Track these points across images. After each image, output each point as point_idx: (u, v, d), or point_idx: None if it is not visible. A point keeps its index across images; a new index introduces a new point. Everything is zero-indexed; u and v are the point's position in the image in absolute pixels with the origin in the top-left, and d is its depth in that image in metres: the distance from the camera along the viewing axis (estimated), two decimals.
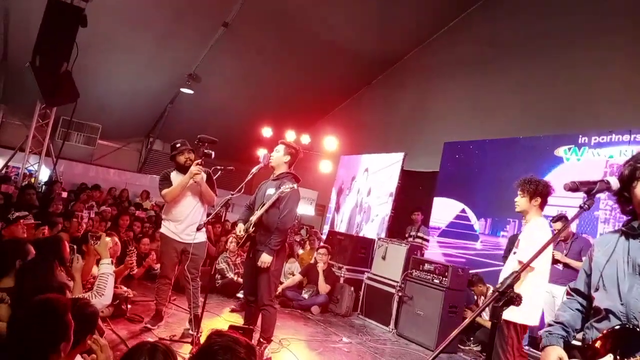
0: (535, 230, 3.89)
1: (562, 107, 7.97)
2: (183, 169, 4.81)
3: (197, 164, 4.68)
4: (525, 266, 1.80)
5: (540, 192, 3.95)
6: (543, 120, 8.15)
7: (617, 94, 7.26)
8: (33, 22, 8.17)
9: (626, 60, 7.35)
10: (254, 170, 4.69)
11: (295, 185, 4.44)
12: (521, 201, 4.00)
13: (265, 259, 4.39)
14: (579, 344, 2.14)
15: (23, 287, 2.63)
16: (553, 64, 8.39)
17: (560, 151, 7.16)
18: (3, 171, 10.82)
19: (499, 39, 9.64)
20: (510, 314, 3.56)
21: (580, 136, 6.96)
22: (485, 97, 9.57)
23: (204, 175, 4.83)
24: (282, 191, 4.36)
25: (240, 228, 4.61)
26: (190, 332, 4.73)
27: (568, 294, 2.34)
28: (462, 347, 6.46)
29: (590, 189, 1.90)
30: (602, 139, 6.70)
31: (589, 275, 2.19)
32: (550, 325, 2.21)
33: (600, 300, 2.08)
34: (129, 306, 5.38)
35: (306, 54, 11.59)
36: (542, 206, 4.00)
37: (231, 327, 3.94)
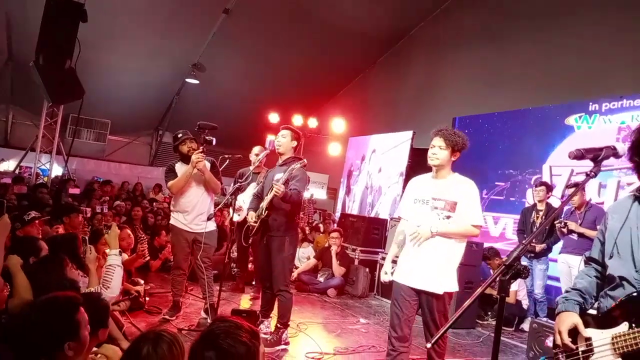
0: (472, 189, 3.41)
1: (571, 76, 7.80)
2: (187, 159, 4.80)
3: (199, 152, 4.68)
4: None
5: (462, 148, 3.41)
6: (553, 90, 8.01)
7: (626, 59, 7.09)
8: (35, 20, 8.17)
9: (634, 24, 7.15)
10: (261, 156, 4.69)
11: (305, 161, 4.43)
12: (442, 154, 3.35)
13: (288, 247, 4.45)
14: (595, 312, 2.11)
15: (34, 284, 2.66)
16: (561, 32, 8.19)
17: (570, 120, 7.06)
18: (16, 171, 10.95)
19: (505, 9, 9.44)
20: (444, 284, 3.29)
21: (591, 103, 6.84)
22: (493, 70, 9.42)
23: (207, 163, 4.84)
24: (292, 168, 4.34)
25: (252, 216, 4.60)
26: (208, 320, 4.77)
27: (585, 263, 2.31)
28: (480, 322, 6.45)
29: (596, 155, 1.86)
30: (613, 105, 6.57)
31: (603, 243, 2.15)
32: (567, 291, 2.19)
33: (615, 267, 2.04)
34: (147, 299, 5.44)
35: (309, 36, 11.48)
36: (454, 162, 3.48)
37: (234, 310, 3.94)
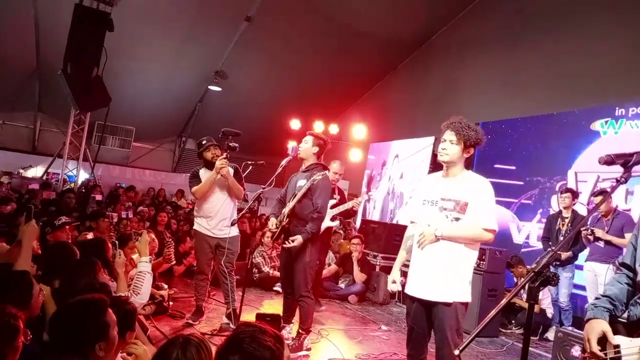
0: (485, 189, 3.07)
1: (596, 80, 7.67)
2: (211, 165, 4.88)
3: (222, 158, 4.74)
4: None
5: (476, 143, 3.06)
6: (578, 95, 7.87)
7: None
8: (63, 30, 8.37)
9: None
10: (283, 163, 4.74)
11: (326, 172, 4.45)
12: (453, 149, 3.02)
13: (299, 239, 4.33)
14: (625, 321, 2.08)
15: (66, 288, 2.73)
16: (585, 35, 8.06)
17: (596, 125, 6.94)
18: (44, 177, 11.19)
19: (527, 12, 9.33)
20: (446, 293, 2.99)
21: (617, 108, 6.73)
22: (516, 74, 9.31)
23: (231, 169, 4.89)
24: (314, 179, 4.37)
25: (272, 222, 4.64)
26: (231, 326, 4.81)
27: (617, 268, 2.27)
28: (503, 330, 6.37)
29: (626, 161, 1.84)
30: None
31: (636, 249, 2.12)
32: (597, 298, 2.16)
33: None
34: (170, 303, 5.50)
35: (330, 42, 11.51)
36: (468, 159, 3.16)
37: (258, 315, 3.97)
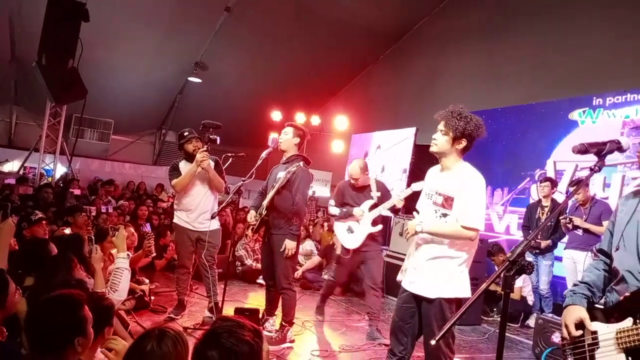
0: (472, 184, 2.91)
1: (575, 70, 7.77)
2: (192, 158, 4.81)
3: (203, 150, 4.70)
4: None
5: (469, 134, 2.90)
6: (556, 85, 7.97)
7: (630, 53, 7.05)
8: (38, 21, 8.17)
9: (638, 18, 7.11)
10: (264, 155, 4.70)
11: (301, 164, 4.43)
12: (441, 140, 2.92)
13: (290, 245, 4.39)
14: (602, 307, 2.12)
15: (42, 284, 2.68)
16: (565, 26, 8.15)
17: (574, 115, 7.02)
18: (20, 172, 10.98)
19: (509, 3, 9.40)
20: (444, 291, 2.89)
21: (595, 98, 6.81)
22: (497, 64, 9.37)
23: (211, 162, 4.85)
24: (289, 171, 4.36)
25: (252, 215, 4.62)
26: (214, 319, 4.78)
27: (595, 255, 2.30)
28: (485, 318, 6.45)
29: (600, 150, 1.86)
30: (617, 99, 6.54)
31: (613, 235, 2.16)
32: (575, 285, 2.19)
33: (620, 260, 2.05)
34: (152, 297, 5.46)
35: (311, 33, 11.45)
36: (464, 151, 2.98)
37: (237, 309, 3.98)
